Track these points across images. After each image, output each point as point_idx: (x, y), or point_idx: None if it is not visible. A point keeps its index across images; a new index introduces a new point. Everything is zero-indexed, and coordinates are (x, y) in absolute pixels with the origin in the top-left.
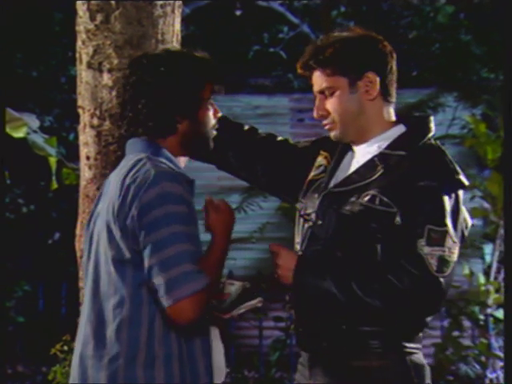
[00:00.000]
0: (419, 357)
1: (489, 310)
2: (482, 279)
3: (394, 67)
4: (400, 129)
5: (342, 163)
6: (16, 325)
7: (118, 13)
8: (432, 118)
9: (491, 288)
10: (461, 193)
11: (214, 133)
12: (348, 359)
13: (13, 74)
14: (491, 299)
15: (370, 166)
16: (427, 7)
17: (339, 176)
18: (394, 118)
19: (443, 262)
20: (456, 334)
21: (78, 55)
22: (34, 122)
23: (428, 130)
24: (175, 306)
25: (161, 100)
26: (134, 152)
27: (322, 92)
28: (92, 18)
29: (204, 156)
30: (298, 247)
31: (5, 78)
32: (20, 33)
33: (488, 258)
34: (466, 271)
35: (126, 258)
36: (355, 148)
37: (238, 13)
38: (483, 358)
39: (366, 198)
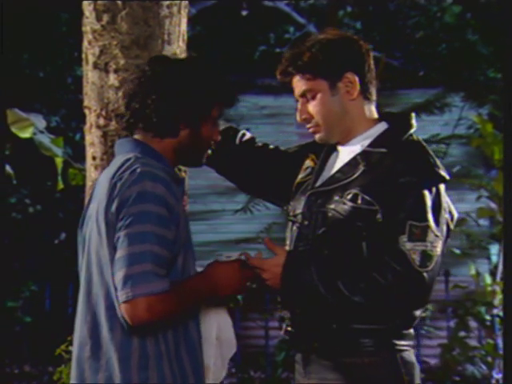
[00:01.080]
0: (410, 354)
1: (495, 311)
2: (488, 279)
3: (372, 66)
4: (382, 126)
5: (327, 163)
6: (23, 325)
7: (124, 13)
8: (413, 115)
9: (498, 288)
10: (442, 187)
11: (209, 152)
12: (340, 356)
13: (20, 75)
14: (498, 299)
15: (352, 164)
16: (434, 7)
17: (324, 176)
18: (375, 116)
19: (426, 256)
20: (462, 334)
21: (84, 55)
22: (41, 123)
23: (409, 126)
24: (127, 304)
25: (171, 101)
26: (123, 152)
27: (303, 95)
28: (98, 19)
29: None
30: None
31: (12, 78)
32: (27, 33)
33: (494, 259)
34: (473, 271)
35: (113, 257)
36: (340, 148)
37: (244, 13)
38: (490, 359)
39: (349, 197)
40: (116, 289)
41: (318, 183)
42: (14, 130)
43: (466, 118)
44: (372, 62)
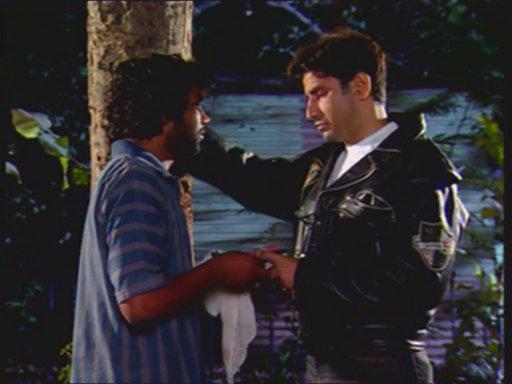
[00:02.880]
0: (423, 355)
1: (500, 311)
2: (493, 280)
3: (384, 67)
4: (392, 127)
5: (335, 164)
6: (27, 325)
7: (129, 13)
8: (423, 116)
9: (503, 288)
10: (454, 187)
11: (201, 137)
12: (354, 356)
13: (24, 75)
14: (503, 300)
15: (363, 164)
16: (438, 7)
17: (334, 176)
18: (385, 116)
19: (439, 256)
20: (467, 334)
21: (89, 56)
22: (46, 123)
23: (420, 126)
24: (125, 304)
25: (146, 101)
26: (117, 154)
27: (313, 92)
28: (103, 19)
29: (199, 173)
30: (298, 253)
31: (17, 78)
32: (31, 34)
33: (499, 259)
34: (478, 272)
35: (104, 257)
36: (348, 148)
37: (248, 13)
38: (495, 359)
39: (361, 197)
40: (108, 289)
41: (329, 184)
42: (18, 130)
43: (471, 118)
44: (384, 63)
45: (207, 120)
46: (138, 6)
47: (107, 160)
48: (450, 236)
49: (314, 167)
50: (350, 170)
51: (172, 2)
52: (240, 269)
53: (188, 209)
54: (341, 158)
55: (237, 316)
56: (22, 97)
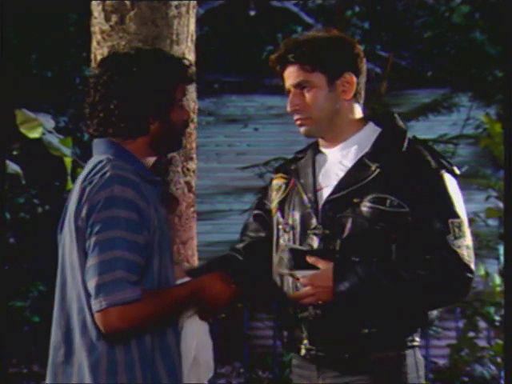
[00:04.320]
0: (419, 351)
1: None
2: (497, 280)
3: (365, 70)
4: (372, 128)
5: (317, 170)
6: (31, 325)
7: (132, 13)
8: (396, 115)
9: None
10: (456, 182)
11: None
12: (366, 355)
13: (28, 75)
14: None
15: (361, 166)
16: (442, 7)
17: (321, 179)
18: (361, 116)
19: (470, 250)
20: (471, 334)
21: (92, 56)
22: (49, 123)
23: (402, 126)
24: (100, 313)
25: (133, 101)
26: (98, 153)
27: (297, 86)
28: (107, 19)
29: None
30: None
31: (20, 78)
32: (35, 34)
33: (503, 259)
34: (482, 272)
35: (83, 263)
36: (327, 150)
37: (252, 13)
38: (499, 359)
39: (373, 200)
40: (86, 295)
41: (326, 190)
42: (22, 130)
43: (474, 117)
44: (365, 66)
45: (189, 115)
46: (141, 6)
47: None
48: (468, 228)
49: (279, 182)
50: (348, 174)
51: (176, 2)
52: (219, 298)
53: (191, 209)
54: (321, 162)
55: (194, 351)
56: (25, 97)
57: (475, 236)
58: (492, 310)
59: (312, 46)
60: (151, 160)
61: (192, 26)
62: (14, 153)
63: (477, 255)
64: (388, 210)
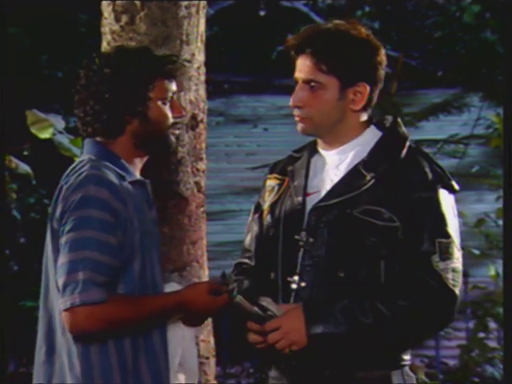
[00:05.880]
0: (408, 369)
1: None
2: None
3: (383, 76)
4: (373, 132)
5: (311, 172)
6: None
7: (142, 14)
8: (399, 120)
9: None
10: (453, 198)
11: (177, 132)
12: (350, 373)
13: (38, 76)
14: None
15: (355, 174)
16: (453, 6)
17: (315, 183)
18: (365, 119)
19: (456, 273)
20: (482, 335)
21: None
22: (60, 123)
23: (404, 133)
24: (66, 312)
25: (106, 101)
26: (84, 153)
27: (307, 81)
28: (117, 20)
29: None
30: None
31: (30, 79)
32: (46, 34)
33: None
34: (492, 272)
35: (56, 262)
36: (325, 153)
37: (261, 13)
38: None
39: (364, 211)
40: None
41: (310, 189)
42: (33, 130)
43: (485, 117)
44: (383, 74)
45: (181, 113)
46: (151, 6)
47: None
48: (459, 250)
49: (272, 183)
50: (341, 181)
51: (186, 3)
52: (204, 311)
53: (201, 209)
54: (317, 164)
55: (179, 358)
56: (36, 97)
57: (486, 236)
58: (502, 310)
59: (333, 44)
60: (139, 160)
61: (202, 27)
62: (25, 153)
63: (487, 256)
64: (379, 224)
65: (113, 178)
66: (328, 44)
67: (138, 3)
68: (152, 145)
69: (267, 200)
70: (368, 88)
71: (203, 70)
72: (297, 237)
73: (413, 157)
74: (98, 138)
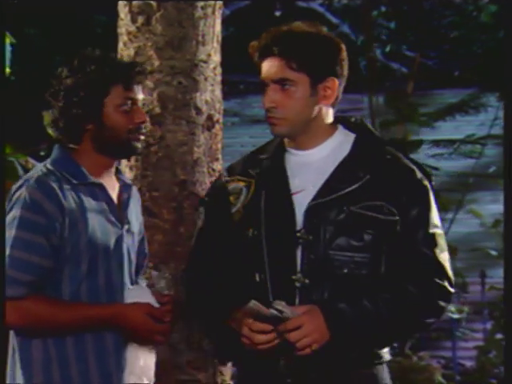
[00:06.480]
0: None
1: None
2: None
3: (346, 73)
4: (342, 132)
5: (287, 169)
6: None
7: (159, 15)
8: (363, 119)
9: None
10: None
11: (142, 137)
12: (338, 372)
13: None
14: None
15: (346, 171)
16: (470, 6)
17: (297, 183)
18: (332, 119)
19: (450, 264)
20: (499, 336)
21: (119, 57)
22: None
23: (376, 132)
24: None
25: (62, 109)
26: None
27: (277, 82)
28: (133, 20)
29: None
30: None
31: (46, 80)
32: (61, 35)
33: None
34: None
35: None
36: (303, 152)
37: (277, 14)
38: None
39: (366, 207)
40: None
41: (303, 194)
42: (50, 131)
43: (502, 118)
44: (347, 71)
45: (141, 120)
46: (167, 7)
47: (137, 161)
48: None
49: (238, 185)
50: (333, 178)
51: (202, 3)
52: (138, 331)
53: None
54: (292, 164)
55: (139, 370)
56: None
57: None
58: None
59: (301, 42)
60: (105, 164)
61: (218, 27)
62: (42, 153)
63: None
64: (382, 219)
65: (54, 182)
66: (295, 42)
67: (154, 4)
68: (112, 150)
69: (236, 203)
70: (337, 82)
71: (219, 70)
72: (298, 234)
73: (393, 153)
74: (65, 143)
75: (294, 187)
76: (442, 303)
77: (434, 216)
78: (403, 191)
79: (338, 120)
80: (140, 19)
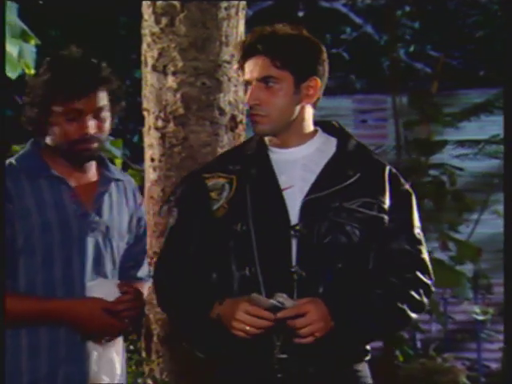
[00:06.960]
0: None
1: None
2: None
3: (327, 74)
4: (322, 133)
5: (274, 166)
6: None
7: (182, 16)
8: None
9: None
10: None
11: (95, 145)
12: (333, 369)
13: None
14: None
15: (336, 169)
16: (495, 6)
17: (284, 179)
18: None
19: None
20: None
21: (143, 58)
22: None
23: (354, 136)
24: None
25: (25, 113)
26: None
27: (262, 80)
28: (157, 21)
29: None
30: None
31: None
32: (85, 37)
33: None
34: None
35: None
36: (287, 150)
37: (300, 14)
38: None
39: (361, 204)
40: None
41: (292, 190)
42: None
43: None
44: (327, 72)
45: (83, 131)
46: (191, 8)
47: (160, 161)
48: None
49: (219, 181)
50: (325, 176)
51: (225, 4)
52: (86, 325)
53: None
54: (276, 161)
55: (95, 365)
56: None
57: None
58: None
59: (285, 41)
60: (71, 165)
61: (241, 28)
62: None
63: None
64: (375, 215)
65: (9, 176)
66: (279, 41)
67: (177, 5)
68: (66, 157)
69: (220, 198)
70: (319, 82)
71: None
72: (297, 227)
73: (378, 157)
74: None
75: (282, 183)
76: (424, 297)
77: (416, 218)
78: (388, 192)
79: (315, 123)
80: (164, 20)
